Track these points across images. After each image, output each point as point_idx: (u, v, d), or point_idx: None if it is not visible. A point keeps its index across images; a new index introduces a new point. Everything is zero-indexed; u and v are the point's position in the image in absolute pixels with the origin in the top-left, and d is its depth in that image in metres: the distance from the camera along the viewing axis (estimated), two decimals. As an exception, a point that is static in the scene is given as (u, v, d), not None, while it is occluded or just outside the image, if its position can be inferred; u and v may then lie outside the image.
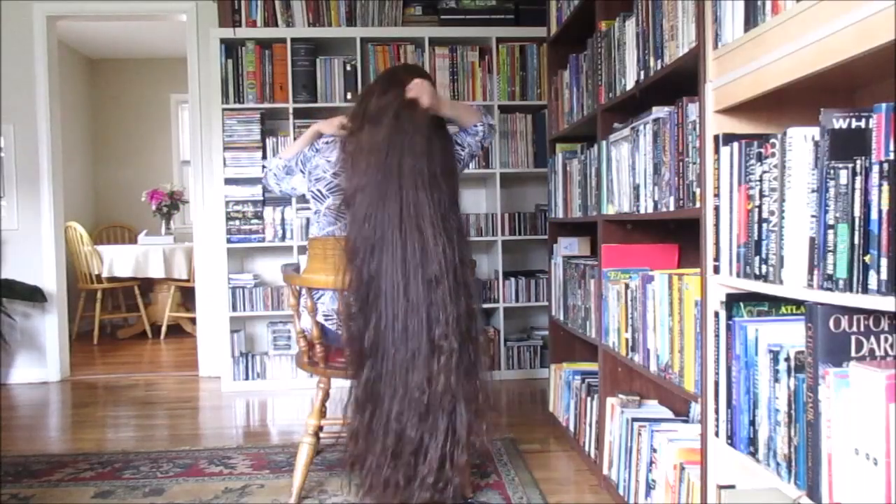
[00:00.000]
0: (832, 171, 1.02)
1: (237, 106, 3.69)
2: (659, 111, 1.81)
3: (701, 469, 1.52)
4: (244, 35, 3.70)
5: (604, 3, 2.29)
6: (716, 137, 1.39)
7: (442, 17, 3.84)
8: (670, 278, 1.73)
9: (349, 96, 3.70)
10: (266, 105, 3.71)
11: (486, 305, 3.85)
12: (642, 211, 1.94)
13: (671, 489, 1.72)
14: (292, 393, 3.65)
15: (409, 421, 1.73)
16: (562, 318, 2.77)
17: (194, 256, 4.30)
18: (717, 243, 1.41)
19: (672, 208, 1.73)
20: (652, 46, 1.87)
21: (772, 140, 1.19)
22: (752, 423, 1.27)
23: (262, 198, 3.73)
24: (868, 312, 1.04)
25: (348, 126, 2.08)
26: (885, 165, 0.95)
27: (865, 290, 0.98)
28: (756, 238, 1.25)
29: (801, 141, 1.12)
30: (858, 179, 0.98)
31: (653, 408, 2.13)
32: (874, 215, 0.96)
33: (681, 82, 1.74)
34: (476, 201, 4.13)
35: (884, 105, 0.96)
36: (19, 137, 4.05)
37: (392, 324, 1.77)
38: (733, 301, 1.34)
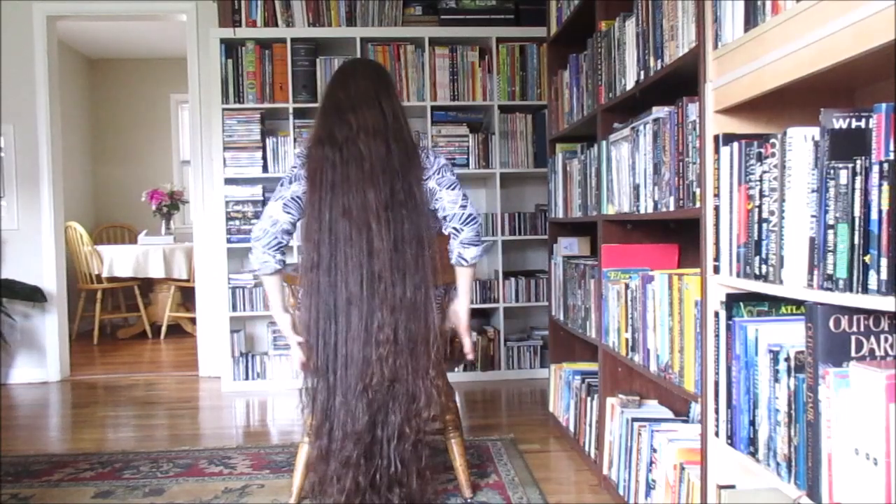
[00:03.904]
0: (832, 171, 1.02)
1: (237, 106, 3.69)
2: (659, 111, 1.81)
3: (701, 469, 1.52)
4: (244, 35, 3.70)
5: (604, 3, 2.29)
6: (716, 137, 1.39)
7: (442, 17, 3.84)
8: (670, 278, 1.73)
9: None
10: (266, 105, 3.71)
11: (486, 305, 3.86)
12: (642, 211, 1.94)
13: (671, 489, 1.72)
14: (292, 393, 3.64)
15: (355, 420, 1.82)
16: (562, 318, 2.77)
17: (194, 256, 4.30)
18: (717, 243, 1.41)
19: (672, 208, 1.73)
20: (652, 46, 1.87)
21: (772, 140, 1.19)
22: (752, 423, 1.27)
23: (262, 198, 3.73)
24: (868, 312, 1.04)
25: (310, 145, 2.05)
26: (885, 165, 0.95)
27: (865, 290, 0.98)
28: (756, 238, 1.25)
29: (801, 141, 1.12)
30: (858, 179, 0.98)
31: (653, 408, 2.13)
32: (874, 215, 0.96)
33: (681, 82, 1.75)
34: (476, 201, 4.11)
35: (884, 105, 0.96)
36: (19, 137, 4.05)
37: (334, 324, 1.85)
38: (733, 301, 1.34)
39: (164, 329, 5.55)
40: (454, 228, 2.03)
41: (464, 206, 2.04)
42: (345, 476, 1.79)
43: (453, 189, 2.05)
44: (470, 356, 2.15)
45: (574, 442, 2.59)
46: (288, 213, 2.02)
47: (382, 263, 1.87)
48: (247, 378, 3.76)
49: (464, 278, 2.07)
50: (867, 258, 0.97)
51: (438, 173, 2.05)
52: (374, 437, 1.81)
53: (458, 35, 3.80)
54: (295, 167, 2.05)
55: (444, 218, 2.04)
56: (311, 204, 1.94)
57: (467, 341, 2.12)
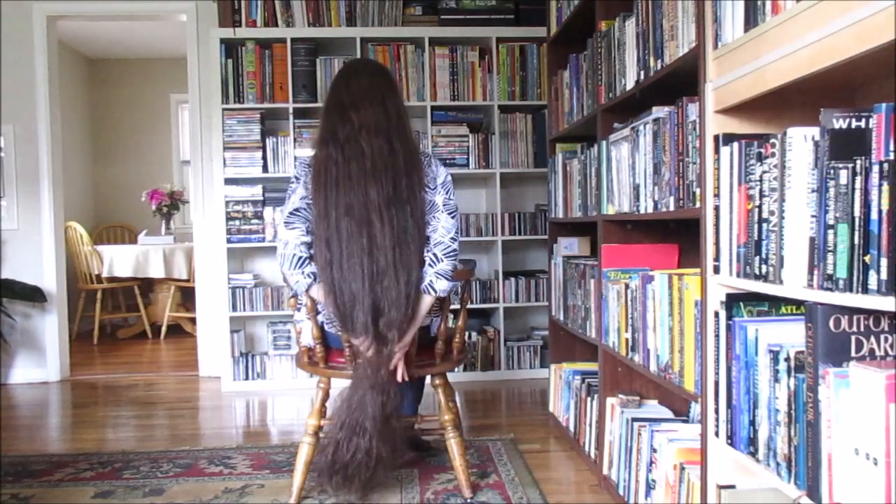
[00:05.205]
0: (832, 171, 1.02)
1: (237, 106, 3.69)
2: (659, 111, 1.81)
3: (701, 469, 1.52)
4: (244, 35, 3.70)
5: (604, 3, 2.29)
6: (716, 137, 1.39)
7: (442, 17, 3.84)
8: (670, 278, 1.73)
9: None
10: (266, 105, 3.71)
11: (486, 305, 3.85)
12: (642, 211, 1.94)
13: (671, 489, 1.72)
14: (292, 393, 3.65)
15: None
16: (562, 318, 2.77)
17: (194, 256, 4.30)
18: (717, 243, 1.41)
19: (672, 208, 1.73)
20: (652, 46, 1.87)
21: (772, 140, 1.19)
22: (752, 423, 1.27)
23: (262, 198, 3.73)
24: (868, 312, 1.04)
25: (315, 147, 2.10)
26: (885, 165, 0.95)
27: (865, 290, 0.98)
28: (756, 238, 1.25)
29: (801, 141, 1.12)
30: (858, 179, 0.98)
31: (653, 408, 2.13)
32: (874, 215, 0.96)
33: (681, 82, 1.75)
34: (476, 201, 4.13)
35: (884, 105, 0.96)
36: (19, 137, 4.05)
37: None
38: (733, 301, 1.34)
39: (164, 329, 5.55)
40: (434, 255, 2.03)
41: (453, 240, 2.07)
42: (352, 442, 1.91)
43: (453, 217, 2.08)
44: (399, 376, 2.03)
45: (574, 442, 2.59)
46: (293, 228, 2.01)
47: (385, 261, 1.88)
48: (247, 378, 3.76)
49: (424, 304, 2.02)
50: (867, 258, 0.97)
51: (446, 192, 2.09)
52: (377, 415, 1.92)
53: (458, 35, 3.80)
54: (292, 182, 2.07)
55: (428, 239, 2.05)
56: (317, 203, 1.96)
57: (394, 362, 2.00)
